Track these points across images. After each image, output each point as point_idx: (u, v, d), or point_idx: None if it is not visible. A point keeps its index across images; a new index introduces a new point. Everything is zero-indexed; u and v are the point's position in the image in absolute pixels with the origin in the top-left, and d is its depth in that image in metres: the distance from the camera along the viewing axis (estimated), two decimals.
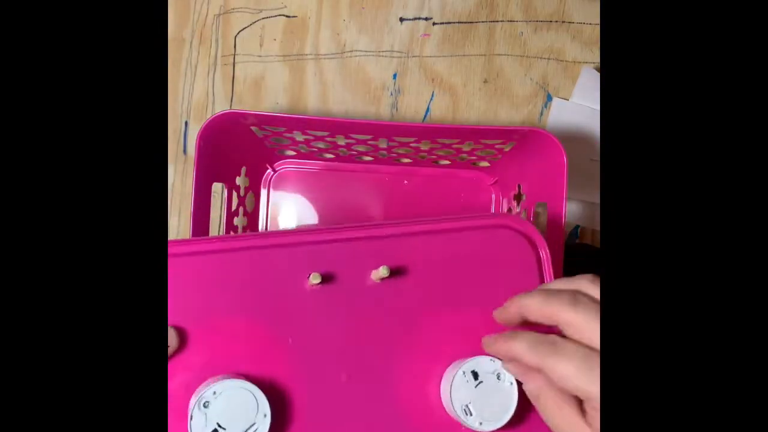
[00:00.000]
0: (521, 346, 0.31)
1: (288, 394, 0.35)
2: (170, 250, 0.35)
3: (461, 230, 0.37)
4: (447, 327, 0.36)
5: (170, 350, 0.33)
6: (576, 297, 0.31)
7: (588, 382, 0.28)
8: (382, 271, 0.35)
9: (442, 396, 0.35)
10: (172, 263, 0.34)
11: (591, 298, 0.31)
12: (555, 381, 0.30)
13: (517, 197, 0.52)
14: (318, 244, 0.36)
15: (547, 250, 0.38)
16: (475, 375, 0.34)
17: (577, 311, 0.30)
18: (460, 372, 0.34)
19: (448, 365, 0.36)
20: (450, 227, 0.37)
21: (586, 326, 0.29)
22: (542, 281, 0.37)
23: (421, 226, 0.37)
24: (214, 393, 0.32)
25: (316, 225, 0.36)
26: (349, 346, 0.36)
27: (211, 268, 0.35)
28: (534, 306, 0.32)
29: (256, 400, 0.32)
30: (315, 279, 0.35)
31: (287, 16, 0.55)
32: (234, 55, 0.55)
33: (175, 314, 0.34)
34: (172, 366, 0.34)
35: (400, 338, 0.36)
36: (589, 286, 0.32)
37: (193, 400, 0.32)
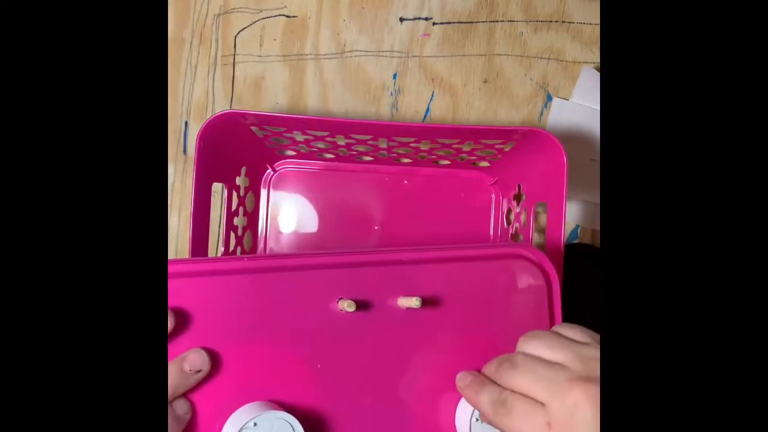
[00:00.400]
0: (482, 402, 0.34)
1: (318, 419, 0.35)
2: (198, 268, 0.34)
3: (480, 258, 0.39)
4: (465, 352, 0.38)
5: (202, 374, 0.33)
6: (513, 362, 0.33)
7: None
8: (414, 302, 0.35)
9: (457, 425, 0.37)
10: (202, 283, 0.34)
11: (527, 356, 0.33)
12: None
13: (517, 197, 0.52)
14: (346, 268, 0.37)
15: (557, 279, 0.39)
16: None
17: (516, 376, 0.33)
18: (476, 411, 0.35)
19: None
20: (470, 255, 0.39)
21: (525, 386, 0.32)
22: (551, 308, 0.39)
23: (442, 252, 0.39)
24: (255, 424, 0.32)
25: (342, 248, 0.38)
26: (374, 370, 0.36)
27: (242, 288, 0.35)
28: (489, 374, 0.35)
29: (294, 430, 0.33)
30: (350, 307, 0.35)
31: (287, 16, 0.55)
32: (234, 55, 0.55)
33: (206, 337, 0.34)
34: (204, 389, 0.34)
35: (422, 362, 0.37)
36: (523, 343, 0.34)
37: (230, 429, 0.33)
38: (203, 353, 0.33)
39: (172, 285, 0.33)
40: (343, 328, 0.36)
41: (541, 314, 0.39)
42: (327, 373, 0.36)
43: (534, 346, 0.34)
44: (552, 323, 0.39)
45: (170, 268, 0.33)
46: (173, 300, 0.33)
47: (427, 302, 0.37)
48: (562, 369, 0.31)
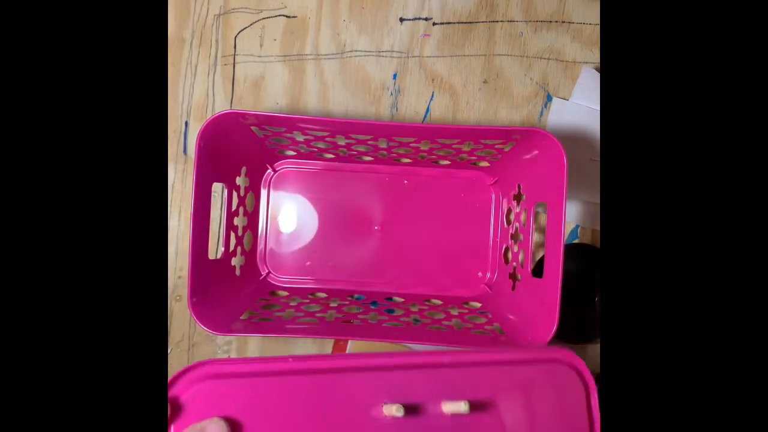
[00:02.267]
0: None
1: None
2: (231, 369, 0.34)
3: (520, 362, 0.39)
4: None
5: None
6: None
7: None
8: (462, 407, 0.35)
9: None
10: (232, 384, 0.34)
11: None
12: None
13: (517, 197, 0.52)
14: (387, 371, 0.36)
15: (594, 384, 0.39)
16: None
17: None
18: None
19: None
20: (510, 359, 0.39)
21: None
22: (590, 413, 0.39)
23: (484, 355, 0.38)
24: None
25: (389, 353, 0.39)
26: None
27: (283, 391, 0.34)
28: None
29: None
30: (398, 411, 0.34)
31: (287, 16, 0.55)
32: (234, 55, 0.55)
33: None
34: None
35: None
36: None
37: None
38: (223, 424, 0.31)
39: (217, 387, 0.33)
40: None
41: (581, 418, 0.38)
42: None
43: None
44: (591, 424, 0.38)
45: (213, 369, 0.33)
46: (219, 403, 0.33)
47: (471, 406, 0.36)
48: None
